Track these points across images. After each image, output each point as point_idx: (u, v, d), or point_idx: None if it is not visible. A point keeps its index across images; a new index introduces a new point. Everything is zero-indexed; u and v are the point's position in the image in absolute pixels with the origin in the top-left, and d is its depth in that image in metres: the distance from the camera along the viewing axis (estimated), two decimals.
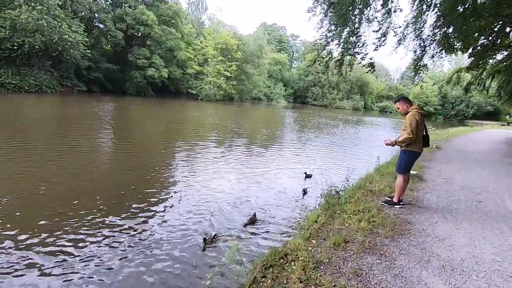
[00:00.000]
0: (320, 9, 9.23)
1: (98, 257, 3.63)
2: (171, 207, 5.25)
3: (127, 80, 35.33)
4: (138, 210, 4.97)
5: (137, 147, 10.02)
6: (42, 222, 4.34)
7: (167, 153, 9.86)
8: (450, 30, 11.09)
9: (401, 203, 4.61)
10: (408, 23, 10.88)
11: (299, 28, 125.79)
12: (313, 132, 19.19)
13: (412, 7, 10.64)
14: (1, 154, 7.55)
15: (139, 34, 35.21)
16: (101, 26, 34.00)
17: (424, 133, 4.50)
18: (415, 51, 11.87)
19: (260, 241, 4.10)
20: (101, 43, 36.77)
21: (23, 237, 3.94)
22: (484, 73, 16.87)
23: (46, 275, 3.27)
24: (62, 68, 28.41)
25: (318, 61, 10.47)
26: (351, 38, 9.20)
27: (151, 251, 3.79)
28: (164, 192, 6.00)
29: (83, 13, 30.14)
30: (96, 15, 32.71)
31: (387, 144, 4.48)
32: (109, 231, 4.24)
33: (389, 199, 4.73)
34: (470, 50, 12.95)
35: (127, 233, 4.22)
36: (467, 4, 9.53)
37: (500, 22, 11.03)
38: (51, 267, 3.39)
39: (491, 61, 15.14)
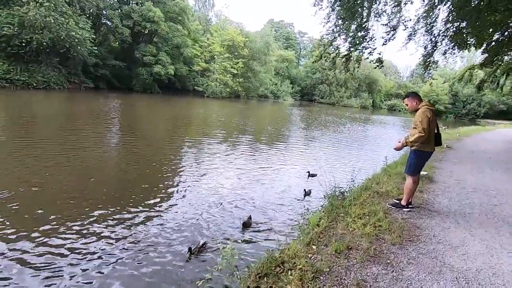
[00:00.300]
0: (327, 2, 8.91)
1: (88, 256, 3.47)
2: (168, 206, 5.07)
3: (134, 77, 35.40)
4: (135, 209, 4.80)
5: (142, 144, 9.96)
6: (47, 214, 4.40)
7: (171, 150, 9.76)
8: (463, 25, 10.64)
9: (409, 206, 4.32)
10: (419, 17, 10.47)
11: (307, 25, 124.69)
12: (319, 130, 18.85)
13: (424, 1, 10.22)
14: (8, 149, 7.65)
15: (146, 31, 35.24)
16: (109, 23, 34.13)
17: (436, 131, 4.20)
18: (425, 47, 11.44)
19: (257, 246, 3.87)
20: (108, 40, 36.95)
21: (26, 229, 4.00)
22: (498, 70, 16.23)
23: (37, 269, 3.28)
24: (70, 64, 28.57)
25: (324, 57, 10.15)
26: (359, 33, 8.86)
27: (137, 257, 3.61)
28: (164, 190, 5.83)
29: (90, 10, 30.23)
30: (104, 12, 32.83)
31: (396, 149, 4.16)
32: (100, 229, 4.08)
33: (397, 201, 4.44)
34: (484, 46, 12.43)
35: (116, 235, 4.06)
36: None
37: None
38: (42, 264, 3.37)
39: (506, 57, 14.53)
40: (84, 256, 3.56)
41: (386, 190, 5.09)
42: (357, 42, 8.56)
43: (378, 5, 9.22)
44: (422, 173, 5.53)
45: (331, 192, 4.84)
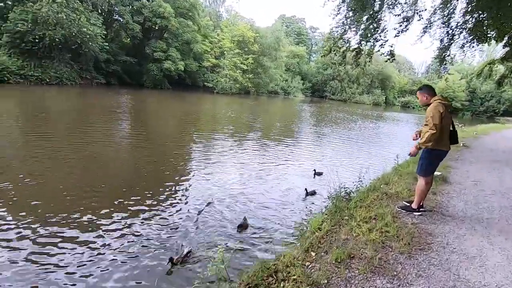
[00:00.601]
0: None
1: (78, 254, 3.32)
2: (164, 205, 4.87)
3: (144, 73, 35.64)
4: (130, 207, 4.64)
5: (151, 139, 10.03)
6: (49, 207, 4.42)
7: (178, 145, 9.69)
8: (484, 16, 10.01)
9: (421, 209, 3.99)
10: (435, 8, 9.90)
11: (319, 20, 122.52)
12: (329, 127, 18.41)
13: None
14: (21, 143, 7.92)
15: (156, 27, 35.32)
16: (120, 19, 34.41)
17: (451, 128, 3.83)
18: (441, 40, 10.84)
19: (252, 251, 3.59)
20: (120, 36, 37.31)
21: (32, 218, 4.05)
22: None
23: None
24: (82, 60, 28.95)
25: (334, 50, 9.71)
26: (370, 25, 8.41)
27: (111, 267, 3.30)
28: (163, 186, 5.65)
29: (102, 6, 30.47)
30: (115, 8, 33.07)
31: (412, 155, 3.83)
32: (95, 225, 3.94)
33: (407, 204, 4.11)
34: (505, 39, 11.72)
35: (110, 231, 3.90)
36: None
37: None
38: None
39: None
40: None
41: (395, 191, 4.75)
42: (368, 34, 8.12)
43: None
44: (435, 173, 5.15)
45: (336, 193, 4.54)
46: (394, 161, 7.27)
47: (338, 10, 8.81)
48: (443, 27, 10.43)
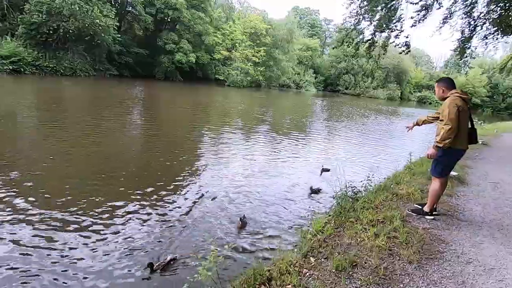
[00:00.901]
0: None
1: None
2: (161, 199, 4.75)
3: (156, 65, 35.75)
4: (132, 200, 4.53)
5: (161, 131, 10.11)
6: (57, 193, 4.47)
7: (186, 137, 9.71)
8: (510, 5, 9.34)
9: (434, 213, 3.68)
10: None
11: (334, 11, 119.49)
12: (340, 122, 17.95)
13: None
14: (36, 132, 8.13)
15: (169, 19, 35.23)
16: (133, 10, 34.46)
17: (470, 126, 3.49)
18: (462, 31, 10.22)
19: (248, 253, 3.40)
20: (133, 28, 37.44)
21: (43, 206, 4.13)
22: None
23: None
24: (95, 52, 29.21)
25: (346, 42, 9.31)
26: (386, 14, 7.95)
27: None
28: (164, 180, 5.53)
29: None
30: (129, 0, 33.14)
31: (431, 157, 3.49)
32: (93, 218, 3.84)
33: (419, 207, 3.81)
34: None
35: (105, 226, 3.79)
36: None
37: None
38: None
39: None
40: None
41: (407, 192, 4.44)
42: (383, 24, 7.67)
43: None
44: (451, 173, 4.81)
45: (342, 192, 4.28)
46: (407, 159, 6.91)
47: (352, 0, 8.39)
48: (465, 17, 9.81)
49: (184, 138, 9.43)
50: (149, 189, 5.01)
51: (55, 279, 2.88)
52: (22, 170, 5.26)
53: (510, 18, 9.60)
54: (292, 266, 2.51)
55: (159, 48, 35.09)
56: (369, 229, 3.16)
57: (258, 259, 3.15)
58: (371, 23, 8.29)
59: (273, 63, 42.65)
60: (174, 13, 33.58)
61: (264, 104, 24.09)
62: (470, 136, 3.47)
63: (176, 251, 3.40)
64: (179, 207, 4.51)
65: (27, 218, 3.82)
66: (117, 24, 29.41)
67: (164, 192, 4.97)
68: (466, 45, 10.51)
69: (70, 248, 3.33)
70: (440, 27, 9.60)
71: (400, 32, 7.73)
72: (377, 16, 8.20)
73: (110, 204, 4.37)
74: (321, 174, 6.71)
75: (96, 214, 4.07)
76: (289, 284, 2.23)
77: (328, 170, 6.81)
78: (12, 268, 2.95)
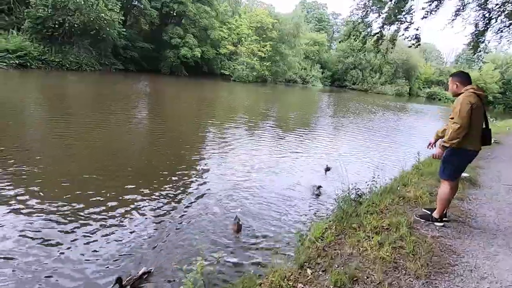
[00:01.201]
0: None
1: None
2: (156, 199, 4.56)
3: (162, 59, 35.64)
4: (127, 196, 4.36)
5: (165, 126, 10.08)
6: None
7: (189, 132, 9.61)
8: None
9: (444, 219, 3.42)
10: None
11: (341, 5, 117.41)
12: (347, 118, 17.56)
13: None
14: (41, 126, 8.10)
15: (174, 13, 34.97)
16: (139, 4, 34.28)
17: (484, 126, 3.20)
18: (476, 24, 9.73)
19: (239, 261, 3.17)
20: (139, 22, 37.30)
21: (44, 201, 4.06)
22: None
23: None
24: (100, 46, 29.19)
25: (353, 35, 8.91)
26: (395, 5, 7.54)
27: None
28: (163, 176, 5.38)
29: None
30: None
31: (436, 157, 3.23)
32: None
33: (428, 212, 3.54)
34: None
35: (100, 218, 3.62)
36: None
37: None
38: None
39: None
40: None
41: (414, 195, 4.17)
42: (392, 15, 7.29)
43: None
44: (462, 174, 4.51)
45: (345, 194, 4.02)
46: (415, 158, 6.59)
47: None
48: (479, 9, 9.34)
49: (188, 134, 9.31)
50: (146, 187, 4.84)
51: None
52: (24, 164, 5.18)
53: None
54: (286, 279, 2.28)
55: (164, 42, 34.91)
56: (372, 237, 2.91)
57: (251, 269, 2.92)
58: (380, 15, 7.87)
59: (279, 58, 42.13)
60: (180, 7, 33.30)
61: (269, 100, 23.78)
62: (483, 136, 3.17)
63: (158, 260, 3.13)
64: (175, 208, 4.31)
65: (23, 210, 3.74)
66: (123, 18, 29.31)
67: (161, 191, 4.79)
68: (480, 39, 10.03)
69: (43, 244, 3.21)
70: (452, 20, 9.13)
71: (410, 24, 7.32)
72: (386, 8, 7.78)
73: (103, 202, 4.22)
74: (325, 173, 6.46)
75: (86, 213, 3.91)
76: None
77: (329, 169, 6.55)
78: None
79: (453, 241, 3.01)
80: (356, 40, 9.17)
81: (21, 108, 9.86)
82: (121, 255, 3.18)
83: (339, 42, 49.19)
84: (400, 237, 2.93)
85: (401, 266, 2.51)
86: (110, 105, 12.72)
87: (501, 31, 10.07)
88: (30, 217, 3.69)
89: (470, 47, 10.56)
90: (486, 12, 9.45)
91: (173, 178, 5.36)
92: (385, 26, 8.15)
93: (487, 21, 9.62)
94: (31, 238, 3.30)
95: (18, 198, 4.09)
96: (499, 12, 9.49)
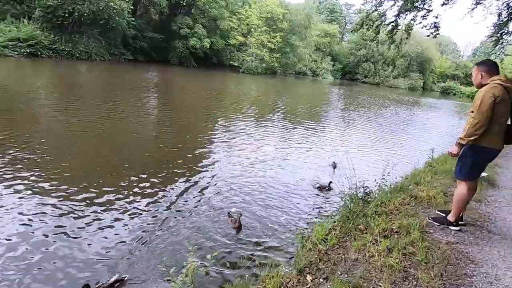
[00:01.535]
0: None
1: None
2: (156, 194, 4.41)
3: (171, 50, 35.47)
4: (129, 188, 4.23)
5: (173, 116, 9.98)
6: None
7: (196, 124, 9.44)
8: None
9: (460, 223, 3.13)
10: None
11: None
12: (357, 112, 17.09)
13: None
14: (50, 116, 7.99)
15: (184, 3, 34.56)
16: None
17: (510, 122, 2.87)
18: (499, 14, 9.14)
19: (236, 265, 2.95)
20: (149, 12, 37.07)
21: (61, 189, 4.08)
22: None
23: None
24: (110, 36, 29.16)
25: (366, 25, 8.51)
26: None
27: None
28: (167, 168, 5.26)
29: None
30: None
31: (453, 155, 2.92)
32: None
33: (442, 214, 3.27)
34: None
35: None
36: None
37: None
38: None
39: None
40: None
41: (427, 195, 3.88)
42: (409, 3, 6.84)
43: None
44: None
45: (351, 192, 3.76)
46: (428, 155, 6.25)
47: None
48: None
49: (195, 125, 9.22)
50: (145, 180, 4.68)
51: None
52: (24, 151, 5.14)
53: None
54: (283, 287, 2.07)
55: (173, 32, 34.68)
56: (380, 242, 2.67)
57: (247, 272, 2.72)
58: (395, 3, 7.45)
59: (290, 49, 41.40)
60: None
61: (278, 92, 23.40)
62: (507, 133, 2.84)
63: (142, 263, 2.87)
64: (171, 203, 4.12)
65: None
66: (132, 7, 29.13)
67: (159, 184, 4.63)
68: (503, 31, 9.45)
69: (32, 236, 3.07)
70: (473, 9, 8.58)
71: (428, 12, 6.88)
72: None
73: (101, 193, 4.10)
74: (333, 170, 6.19)
75: (82, 204, 3.78)
76: None
77: (335, 165, 6.29)
78: None
79: (470, 248, 2.74)
80: (369, 30, 8.77)
81: (32, 96, 9.87)
82: (99, 259, 2.90)
83: (351, 31, 47.84)
84: (411, 242, 2.68)
85: (412, 276, 2.27)
86: (119, 95, 12.69)
87: None
88: (18, 207, 3.57)
89: (492, 38, 9.97)
90: (510, 0, 8.86)
91: (174, 171, 5.20)
92: (400, 15, 7.72)
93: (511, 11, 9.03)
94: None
95: (11, 183, 4.00)
96: None
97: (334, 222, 3.21)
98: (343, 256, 2.51)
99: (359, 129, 11.74)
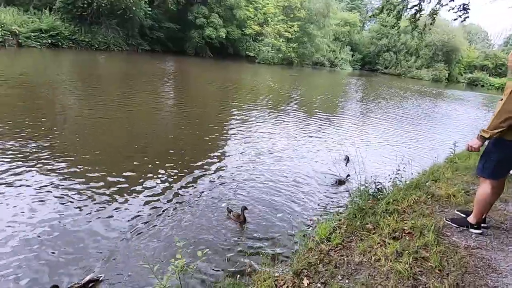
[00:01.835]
0: None
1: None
2: (164, 186, 4.31)
3: (187, 40, 35.46)
4: (131, 179, 4.17)
5: (188, 106, 10.05)
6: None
7: (211, 115, 9.40)
8: None
9: (482, 225, 2.81)
10: None
11: None
12: (375, 103, 16.40)
13: None
14: (68, 105, 8.13)
15: None
16: None
17: None
18: None
19: (234, 262, 2.77)
20: (166, 2, 37.10)
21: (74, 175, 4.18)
22: None
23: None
24: (127, 26, 29.49)
25: (387, 9, 7.97)
26: None
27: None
28: (176, 159, 5.18)
29: None
30: None
31: (473, 149, 2.58)
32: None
33: (463, 215, 2.95)
34: None
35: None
36: None
37: None
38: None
39: None
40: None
41: (446, 193, 3.54)
42: None
43: None
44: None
45: (362, 188, 3.50)
46: (450, 150, 5.81)
47: None
48: None
49: (208, 115, 9.17)
50: (154, 169, 4.64)
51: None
52: (41, 138, 5.24)
53: None
54: None
55: (189, 22, 34.56)
56: (389, 244, 2.42)
57: (241, 271, 2.55)
58: None
59: (307, 39, 40.34)
60: None
61: (294, 83, 22.89)
62: None
63: (131, 257, 2.75)
64: (174, 195, 4.02)
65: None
66: None
67: (165, 174, 4.54)
68: None
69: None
70: None
71: None
72: None
73: (109, 182, 4.08)
74: (346, 164, 5.90)
75: (87, 195, 3.74)
76: None
77: (347, 159, 5.98)
78: None
79: (493, 255, 2.43)
80: (390, 15, 8.21)
81: (54, 86, 10.11)
82: (79, 254, 2.77)
83: (370, 16, 46.02)
84: (423, 246, 2.41)
85: (422, 284, 2.02)
86: (136, 84, 12.87)
87: None
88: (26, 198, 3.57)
89: None
90: None
91: (184, 162, 5.13)
92: None
93: None
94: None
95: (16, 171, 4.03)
96: None
97: (340, 220, 2.97)
98: (346, 259, 2.29)
99: (376, 121, 11.23)
